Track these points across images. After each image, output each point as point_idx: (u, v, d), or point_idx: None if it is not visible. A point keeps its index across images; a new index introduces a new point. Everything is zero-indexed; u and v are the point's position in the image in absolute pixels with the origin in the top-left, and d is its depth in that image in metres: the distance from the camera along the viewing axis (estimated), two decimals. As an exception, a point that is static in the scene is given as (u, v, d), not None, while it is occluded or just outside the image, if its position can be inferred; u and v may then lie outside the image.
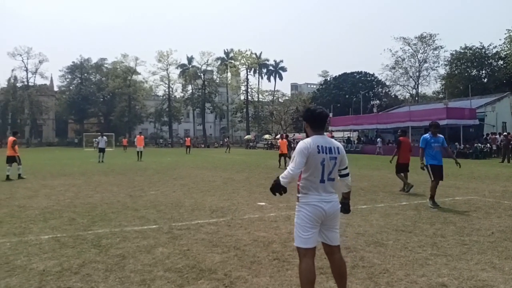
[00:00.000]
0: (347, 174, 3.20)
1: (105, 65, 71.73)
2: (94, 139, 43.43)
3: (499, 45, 49.68)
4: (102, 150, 22.82)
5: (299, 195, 3.07)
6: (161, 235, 5.52)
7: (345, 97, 60.42)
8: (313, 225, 2.99)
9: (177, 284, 3.69)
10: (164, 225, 6.14)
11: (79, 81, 70.41)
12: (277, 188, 3.00)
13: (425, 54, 57.31)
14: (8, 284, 3.66)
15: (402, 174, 10.51)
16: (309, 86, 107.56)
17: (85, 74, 71.34)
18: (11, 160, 13.16)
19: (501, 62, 49.09)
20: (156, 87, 72.07)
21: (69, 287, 3.61)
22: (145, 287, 3.61)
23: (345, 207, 3.29)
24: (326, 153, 2.99)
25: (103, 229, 5.89)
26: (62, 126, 74.75)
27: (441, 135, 8.28)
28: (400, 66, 59.01)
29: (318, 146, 2.97)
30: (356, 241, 5.20)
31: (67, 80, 71.23)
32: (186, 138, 41.35)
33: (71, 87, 70.45)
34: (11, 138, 13.77)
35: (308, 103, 64.82)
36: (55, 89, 74.29)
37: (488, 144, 29.36)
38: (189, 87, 72.82)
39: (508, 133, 26.84)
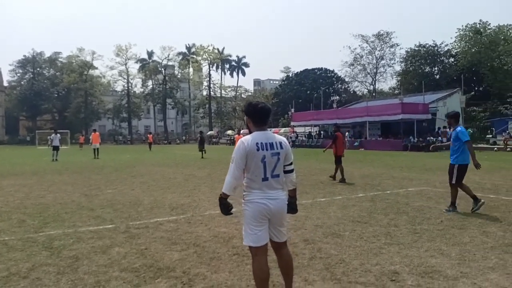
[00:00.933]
0: (291, 170, 3.08)
1: (60, 59, 68.34)
2: (48, 137, 41.32)
3: (451, 43, 52.63)
4: (56, 148, 21.87)
5: (244, 193, 2.98)
6: (118, 235, 5.36)
7: (306, 93, 61.46)
8: (260, 223, 2.90)
9: (133, 284, 3.60)
10: (121, 225, 5.97)
11: (31, 76, 66.57)
12: (224, 206, 2.99)
13: (382, 51, 59.53)
14: None
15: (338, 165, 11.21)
16: (271, 82, 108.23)
17: (38, 69, 67.56)
18: None
19: (452, 59, 51.95)
20: (114, 82, 69.67)
21: (17, 292, 3.42)
22: (100, 289, 3.49)
23: (292, 207, 3.17)
24: (267, 150, 2.88)
25: (56, 230, 5.63)
26: (13, 123, 70.52)
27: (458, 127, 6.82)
28: (358, 63, 60.97)
29: (257, 143, 2.87)
30: (315, 233, 5.32)
31: (18, 74, 67.20)
32: (148, 135, 40.37)
33: (22, 82, 66.55)
34: None
35: (271, 99, 65.46)
36: (5, 84, 69.93)
37: (440, 137, 30.99)
38: (150, 82, 71.05)
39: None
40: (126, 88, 68.84)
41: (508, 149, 27.62)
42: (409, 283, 3.57)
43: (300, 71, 68.17)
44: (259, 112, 2.99)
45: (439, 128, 33.11)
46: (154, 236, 5.28)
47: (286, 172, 3.04)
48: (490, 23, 48.86)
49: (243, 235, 2.99)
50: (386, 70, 60.60)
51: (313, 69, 67.27)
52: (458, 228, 5.57)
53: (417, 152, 26.95)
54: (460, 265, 4.03)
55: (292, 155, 3.11)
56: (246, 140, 2.90)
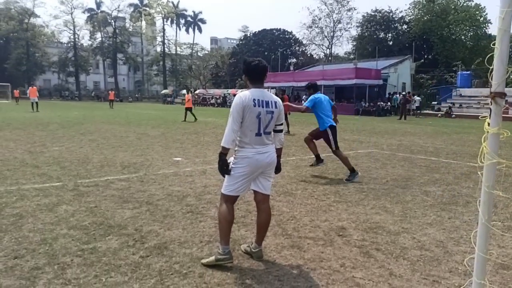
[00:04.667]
0: (281, 130, 3.24)
1: (-5, 4, 61.67)
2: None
3: (405, 10, 53.69)
4: None
5: (236, 148, 3.07)
6: (65, 193, 5.15)
7: (264, 54, 60.70)
8: (247, 178, 3.06)
9: (82, 241, 3.51)
10: (69, 182, 5.73)
11: (-39, 20, 59.79)
12: (224, 163, 3.01)
13: (340, 15, 59.66)
14: None
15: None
16: (229, 41, 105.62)
17: (-31, 13, 60.70)
18: None
19: (405, 26, 53.22)
20: (59, 33, 64.73)
21: (-48, 252, 3.21)
22: (46, 246, 3.36)
23: (277, 166, 3.28)
24: (263, 107, 2.98)
25: (-4, 188, 5.30)
26: None
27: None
28: (316, 25, 60.81)
29: (254, 99, 2.95)
30: (268, 192, 5.44)
31: None
32: (109, 92, 38.22)
33: (-50, 28, 59.68)
34: None
35: (228, 59, 64.16)
36: None
37: (389, 103, 32.32)
38: (98, 35, 66.61)
39: (408, 92, 29.78)
40: (73, 40, 64.17)
41: (453, 115, 29.48)
42: (355, 237, 3.79)
43: (258, 31, 66.82)
44: (254, 69, 3.06)
45: (389, 94, 34.43)
46: (104, 194, 5.13)
47: (276, 131, 3.21)
48: (442, -8, 50.24)
49: (224, 185, 3.11)
50: (342, 34, 61.41)
51: (271, 30, 66.16)
52: (402, 187, 5.94)
53: (368, 117, 28.04)
54: (402, 221, 4.33)
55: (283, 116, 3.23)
56: (244, 95, 2.98)
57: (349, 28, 61.03)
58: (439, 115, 30.78)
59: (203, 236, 3.75)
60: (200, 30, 77.50)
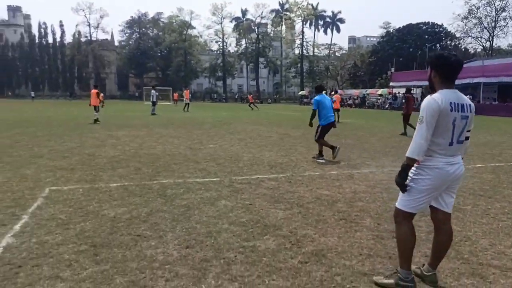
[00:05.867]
0: (468, 138, 2.74)
1: (162, 20, 72.69)
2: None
3: None
4: (154, 103, 23.81)
5: (423, 157, 2.68)
6: (223, 188, 5.52)
7: (408, 51, 56.32)
8: (432, 193, 2.64)
9: (242, 238, 3.64)
10: (225, 178, 6.15)
11: (138, 35, 72.25)
12: (406, 176, 2.63)
13: (504, 2, 50.95)
14: (83, 228, 3.83)
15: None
16: (368, 39, 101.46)
17: (143, 29, 72.99)
18: (95, 107, 16.79)
19: None
20: (210, 41, 72.31)
21: (139, 234, 3.69)
22: (212, 239, 3.59)
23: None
24: (458, 111, 2.54)
25: (167, 179, 6.02)
26: (123, 80, 78.19)
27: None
28: (473, 15, 53.29)
29: (451, 102, 2.52)
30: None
31: (127, 34, 73.52)
32: (248, 96, 41.26)
33: (130, 42, 72.70)
34: (94, 90, 17.20)
35: (367, 57, 61.58)
36: (116, 43, 77.02)
37: None
38: (243, 41, 71.93)
39: None
40: (221, 47, 70.78)
41: None
42: (558, 273, 3.01)
43: (403, 26, 62.19)
44: (451, 66, 2.58)
45: None
46: (257, 193, 5.32)
47: (466, 138, 2.71)
48: None
49: (403, 199, 2.71)
50: (507, 23, 52.13)
51: (417, 24, 60.83)
52: None
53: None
54: None
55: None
56: (438, 98, 2.53)
57: (516, 16, 51.42)
58: None
59: (362, 248, 3.48)
60: (338, 30, 76.51)
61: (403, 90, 41.35)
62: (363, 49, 71.48)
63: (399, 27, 63.34)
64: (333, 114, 8.46)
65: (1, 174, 6.16)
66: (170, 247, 3.40)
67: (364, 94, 48.23)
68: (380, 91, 44.60)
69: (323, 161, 7.88)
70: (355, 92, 52.97)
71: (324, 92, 8.85)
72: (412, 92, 15.18)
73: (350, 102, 47.80)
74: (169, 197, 5.02)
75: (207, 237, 3.66)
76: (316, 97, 8.33)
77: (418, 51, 52.52)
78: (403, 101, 15.62)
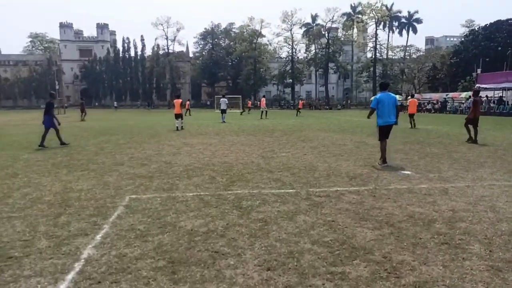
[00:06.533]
0: None
1: (233, 30, 74.67)
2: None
3: None
4: (223, 111, 24.24)
5: None
6: (300, 201, 5.16)
7: (497, 50, 51.08)
8: None
9: (329, 262, 3.24)
10: (301, 190, 5.78)
11: (211, 46, 75.02)
12: None
13: None
14: (161, 241, 3.72)
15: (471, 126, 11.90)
16: (448, 39, 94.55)
17: (216, 40, 75.56)
18: (178, 116, 17.91)
19: None
20: (279, 48, 72.34)
21: (217, 251, 3.48)
22: (294, 261, 3.25)
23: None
24: None
25: (242, 189, 5.82)
26: (196, 89, 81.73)
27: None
28: None
29: None
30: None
31: (200, 46, 76.69)
32: (299, 101, 40.42)
33: (203, 53, 75.72)
34: (178, 100, 18.40)
35: (448, 59, 57.14)
36: (190, 55, 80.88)
37: None
38: (313, 47, 70.96)
39: None
40: (290, 54, 70.63)
41: None
42: None
43: (490, 24, 56.71)
44: None
45: None
46: (338, 207, 4.87)
47: None
48: None
49: None
50: None
51: (507, 20, 55.05)
52: None
53: None
54: None
55: None
56: None
57: None
58: None
59: (475, 282, 2.89)
60: (414, 31, 72.10)
61: (490, 94, 37.68)
62: (443, 49, 66.53)
63: (486, 25, 57.81)
64: (394, 116, 7.98)
65: (87, 181, 6.45)
66: (250, 267, 3.13)
67: (444, 98, 44.60)
68: (463, 95, 40.83)
69: (385, 165, 7.78)
70: (434, 96, 49.31)
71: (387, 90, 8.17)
72: (480, 95, 14.53)
73: (429, 106, 44.48)
74: (245, 209, 4.79)
75: (289, 257, 3.33)
76: (377, 95, 8.06)
77: (509, 50, 47.34)
78: (470, 105, 14.05)
